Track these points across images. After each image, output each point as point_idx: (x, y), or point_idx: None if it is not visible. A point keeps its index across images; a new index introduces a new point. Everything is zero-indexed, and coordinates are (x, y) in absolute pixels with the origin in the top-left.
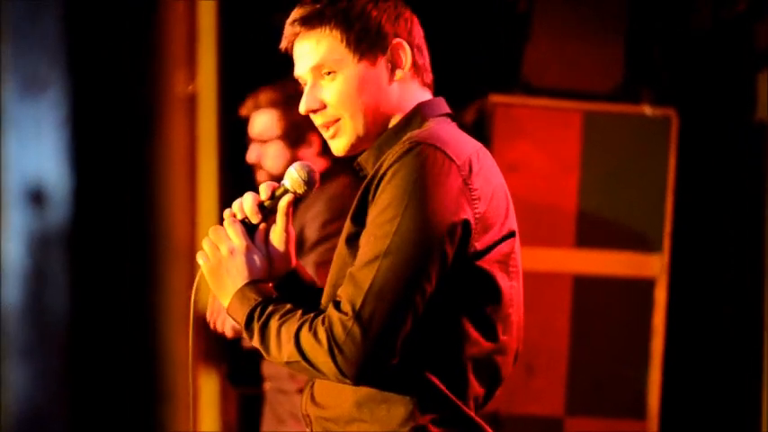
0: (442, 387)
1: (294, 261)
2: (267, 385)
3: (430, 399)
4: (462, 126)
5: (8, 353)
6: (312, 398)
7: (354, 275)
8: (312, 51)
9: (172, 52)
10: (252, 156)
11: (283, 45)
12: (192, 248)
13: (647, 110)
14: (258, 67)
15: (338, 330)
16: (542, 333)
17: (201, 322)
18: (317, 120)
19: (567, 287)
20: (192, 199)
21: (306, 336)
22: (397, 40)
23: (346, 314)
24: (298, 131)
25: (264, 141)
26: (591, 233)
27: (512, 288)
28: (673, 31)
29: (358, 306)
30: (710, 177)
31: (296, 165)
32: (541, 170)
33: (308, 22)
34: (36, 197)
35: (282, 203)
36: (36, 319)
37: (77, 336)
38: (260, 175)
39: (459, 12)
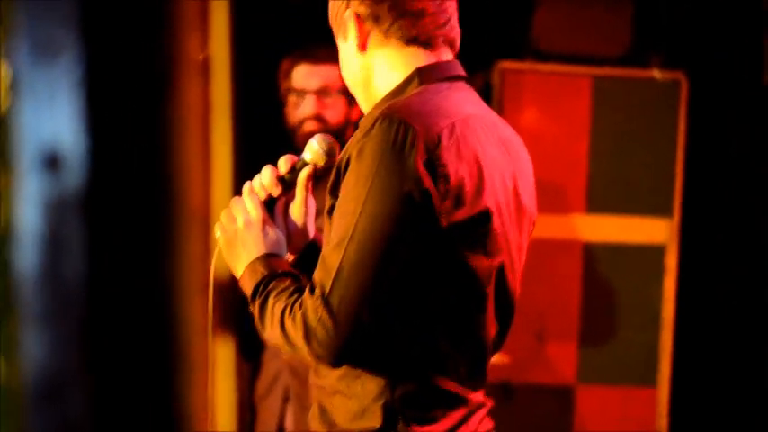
0: (415, 362)
1: (313, 233)
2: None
3: (402, 374)
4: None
5: (25, 320)
6: (315, 366)
7: (324, 259)
8: None
9: (185, 16)
10: (308, 109)
11: None
12: (207, 213)
13: (657, 74)
14: (270, 32)
15: (311, 315)
16: (553, 301)
17: (219, 290)
18: None
19: (577, 254)
20: (206, 163)
21: (287, 318)
22: (347, 12)
23: (317, 299)
24: None
25: (327, 94)
26: (601, 199)
27: (490, 265)
28: None
29: (327, 291)
30: (720, 141)
31: (317, 137)
32: (551, 136)
33: None
34: (51, 162)
35: (302, 176)
36: (52, 286)
37: (94, 302)
38: (309, 127)
39: None
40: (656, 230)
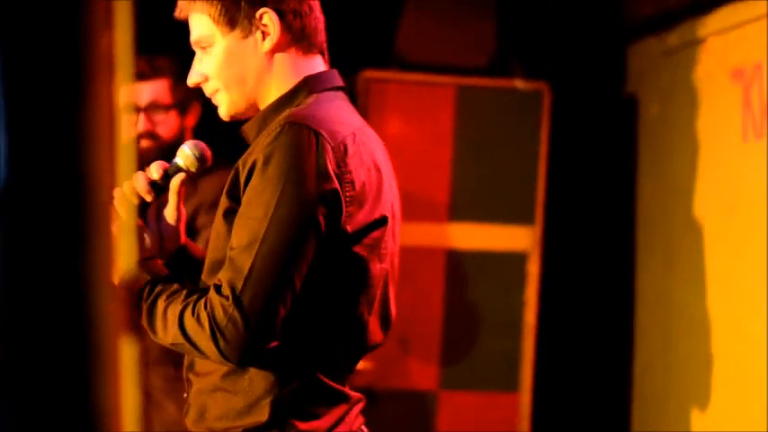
0: (303, 360)
1: (184, 238)
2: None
3: (291, 371)
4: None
5: None
6: (191, 365)
7: (234, 259)
8: (193, 27)
9: (95, 15)
10: (138, 126)
11: (177, 16)
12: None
13: (520, 84)
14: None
15: (219, 315)
16: (416, 308)
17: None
18: (205, 91)
19: (440, 261)
20: (112, 161)
21: (189, 319)
22: (262, 9)
23: (227, 298)
24: (188, 100)
25: (156, 110)
26: (464, 207)
27: (381, 270)
28: (544, 5)
29: (238, 290)
30: (583, 151)
31: (189, 143)
32: (415, 145)
33: (187, 1)
34: None
35: (176, 182)
36: None
37: (7, 301)
38: (143, 145)
39: None
40: (519, 238)
